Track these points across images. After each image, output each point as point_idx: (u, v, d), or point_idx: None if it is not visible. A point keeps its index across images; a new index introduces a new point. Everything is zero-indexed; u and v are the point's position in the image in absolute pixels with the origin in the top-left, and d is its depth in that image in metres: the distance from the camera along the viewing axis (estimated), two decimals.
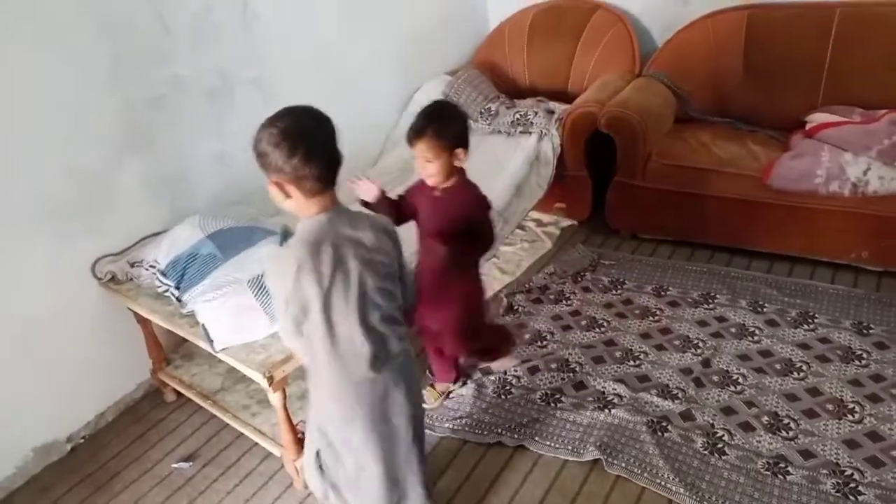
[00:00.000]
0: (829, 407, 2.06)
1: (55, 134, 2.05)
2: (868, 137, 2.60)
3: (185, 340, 2.25)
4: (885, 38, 2.82)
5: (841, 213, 2.57)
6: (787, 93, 3.01)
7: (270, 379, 1.73)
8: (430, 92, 3.45)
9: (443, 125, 1.83)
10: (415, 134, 1.83)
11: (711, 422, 2.04)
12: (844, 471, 1.84)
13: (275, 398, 1.81)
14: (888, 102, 2.74)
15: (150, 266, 2.10)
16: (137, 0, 2.21)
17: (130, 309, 2.17)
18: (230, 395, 2.19)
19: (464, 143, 1.87)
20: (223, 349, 1.84)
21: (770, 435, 1.98)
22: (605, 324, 2.54)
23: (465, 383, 2.30)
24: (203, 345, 1.87)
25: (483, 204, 1.96)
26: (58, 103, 2.04)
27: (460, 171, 1.93)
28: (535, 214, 3.30)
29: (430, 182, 1.90)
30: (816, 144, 2.68)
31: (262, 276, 1.92)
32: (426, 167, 1.86)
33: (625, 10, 3.49)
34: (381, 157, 3.38)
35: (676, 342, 2.40)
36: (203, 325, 1.88)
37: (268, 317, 1.87)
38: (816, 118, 2.81)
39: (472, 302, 2.10)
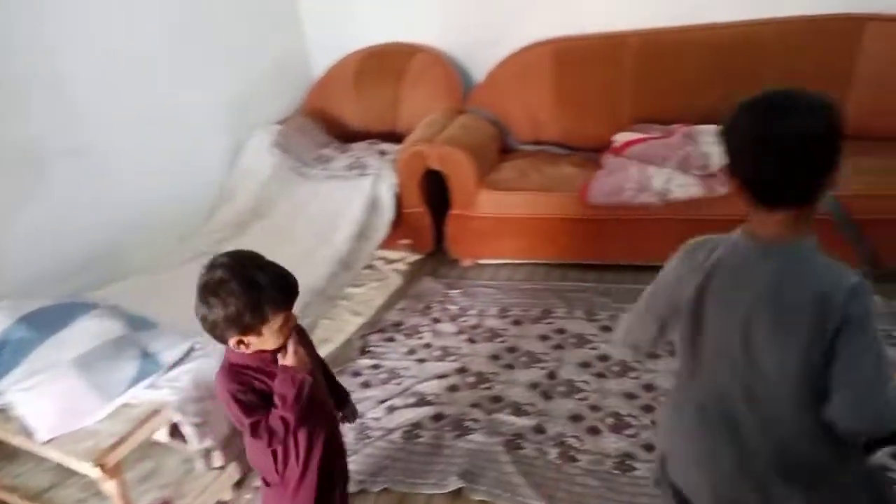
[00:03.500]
0: (664, 399, 2.23)
1: None
2: (667, 150, 2.89)
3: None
4: (675, 61, 3.17)
5: (653, 220, 2.81)
6: (596, 116, 3.29)
7: (102, 467, 1.60)
8: (260, 142, 3.41)
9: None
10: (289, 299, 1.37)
11: (562, 431, 2.14)
12: None
13: (110, 487, 1.67)
14: (681, 118, 3.06)
15: None
16: None
17: None
18: (62, 490, 1.98)
19: None
20: (50, 440, 1.68)
21: (615, 435, 2.10)
22: (456, 351, 2.60)
23: None
24: (19, 441, 1.70)
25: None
26: None
27: None
28: (382, 253, 3.33)
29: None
30: (624, 161, 2.94)
31: (87, 353, 1.79)
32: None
33: (442, 50, 3.67)
34: (215, 211, 3.27)
35: (523, 359, 2.51)
36: (21, 417, 1.71)
37: (99, 396, 1.74)
38: (622, 137, 3.08)
39: None
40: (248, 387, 1.35)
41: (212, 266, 1.30)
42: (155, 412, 1.75)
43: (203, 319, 1.30)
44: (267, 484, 1.50)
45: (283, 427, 1.35)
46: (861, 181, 2.40)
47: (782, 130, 1.00)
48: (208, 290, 1.28)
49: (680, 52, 3.17)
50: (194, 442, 1.84)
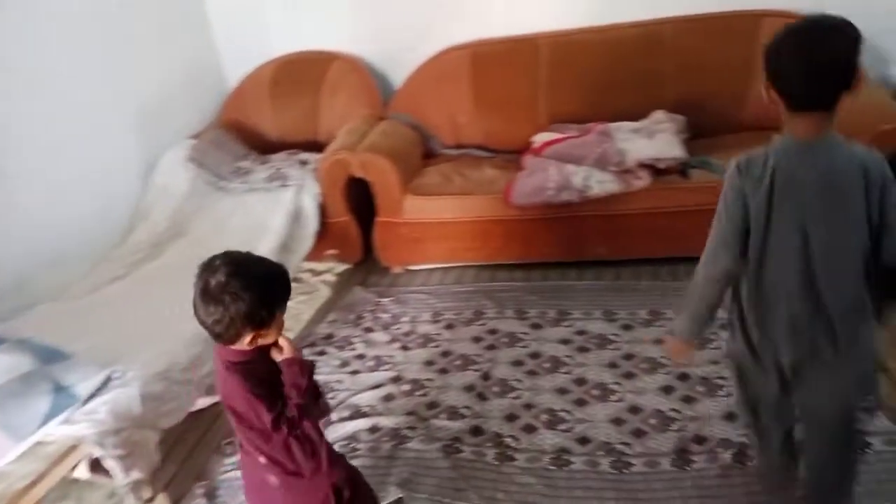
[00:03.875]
0: (595, 392, 2.27)
1: None
2: (584, 149, 2.96)
3: None
4: (585, 61, 3.24)
5: (575, 217, 2.86)
6: (514, 117, 3.34)
7: None
8: (174, 157, 3.29)
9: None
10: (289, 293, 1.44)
11: (498, 431, 2.15)
12: (615, 447, 2.03)
13: None
14: (596, 116, 3.13)
15: None
16: None
17: None
18: None
19: None
20: None
21: (550, 431, 2.13)
22: (388, 360, 2.58)
23: None
24: None
25: None
26: None
27: None
28: (309, 265, 3.28)
29: None
30: (544, 161, 2.98)
31: None
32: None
33: (360, 57, 3.64)
34: (130, 232, 3.13)
35: (458, 362, 2.51)
36: None
37: (8, 437, 1.63)
38: (540, 137, 3.14)
39: None
40: (257, 379, 1.36)
41: (210, 269, 1.31)
42: (71, 448, 1.66)
43: (217, 322, 1.30)
44: (301, 475, 1.49)
45: (299, 414, 1.38)
46: None
47: (823, 49, 1.23)
48: (218, 291, 1.28)
49: (590, 52, 3.25)
50: (119, 476, 1.75)
